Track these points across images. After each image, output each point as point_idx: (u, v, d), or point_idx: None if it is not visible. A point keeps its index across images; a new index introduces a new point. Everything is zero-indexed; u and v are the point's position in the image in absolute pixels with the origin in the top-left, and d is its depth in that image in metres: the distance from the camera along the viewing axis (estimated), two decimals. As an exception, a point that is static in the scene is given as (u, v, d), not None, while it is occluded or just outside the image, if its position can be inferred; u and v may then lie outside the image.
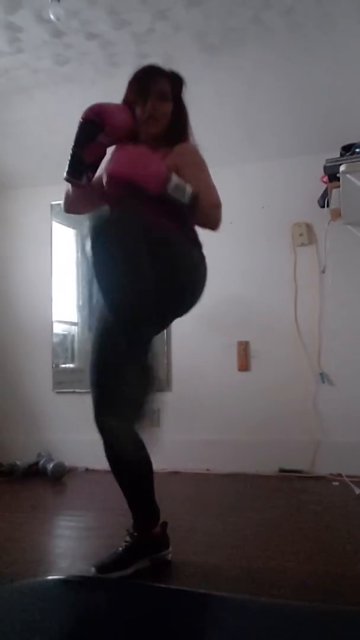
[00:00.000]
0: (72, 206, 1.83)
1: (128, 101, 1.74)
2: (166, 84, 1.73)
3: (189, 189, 1.58)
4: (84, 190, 1.71)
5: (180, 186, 1.56)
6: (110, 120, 1.61)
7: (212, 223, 1.71)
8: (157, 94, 1.70)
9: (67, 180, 1.66)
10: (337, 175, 2.70)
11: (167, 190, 1.54)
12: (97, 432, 1.67)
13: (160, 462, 3.18)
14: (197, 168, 1.71)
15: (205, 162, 1.75)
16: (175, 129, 1.77)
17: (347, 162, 2.66)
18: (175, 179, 1.55)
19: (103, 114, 1.61)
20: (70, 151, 1.62)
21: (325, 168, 2.85)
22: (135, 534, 1.71)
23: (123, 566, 1.64)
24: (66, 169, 1.64)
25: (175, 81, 1.78)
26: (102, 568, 1.63)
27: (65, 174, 1.65)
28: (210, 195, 1.68)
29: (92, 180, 1.67)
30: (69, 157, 1.63)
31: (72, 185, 1.69)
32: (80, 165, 1.63)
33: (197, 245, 1.75)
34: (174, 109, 1.76)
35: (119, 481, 1.74)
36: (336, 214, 2.95)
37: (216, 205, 1.70)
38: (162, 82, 1.73)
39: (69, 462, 3.37)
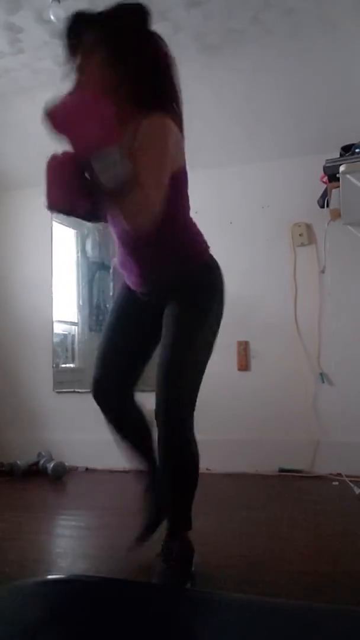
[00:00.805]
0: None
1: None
2: (89, 32, 1.44)
3: (122, 171, 1.26)
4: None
5: (112, 164, 1.25)
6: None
7: (135, 223, 1.36)
8: (79, 49, 1.45)
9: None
10: (337, 175, 2.71)
11: (91, 160, 1.26)
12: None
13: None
14: (153, 157, 1.40)
15: (169, 147, 1.43)
16: (139, 85, 1.47)
17: (346, 163, 2.66)
18: (113, 155, 1.25)
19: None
20: None
21: (325, 168, 2.85)
22: (179, 544, 1.62)
23: (188, 579, 1.57)
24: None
25: (109, 23, 1.45)
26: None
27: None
28: (148, 193, 1.33)
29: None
30: None
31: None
32: None
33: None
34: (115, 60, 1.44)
35: (174, 475, 1.65)
36: (336, 214, 2.95)
37: (150, 205, 1.33)
38: (80, 31, 1.45)
39: (69, 461, 3.37)
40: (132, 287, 1.71)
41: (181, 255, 1.63)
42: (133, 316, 1.74)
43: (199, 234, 1.69)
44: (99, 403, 1.73)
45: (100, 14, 1.47)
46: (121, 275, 1.75)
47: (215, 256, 1.76)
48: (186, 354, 1.60)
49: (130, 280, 1.70)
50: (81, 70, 1.45)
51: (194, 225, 1.69)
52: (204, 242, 1.69)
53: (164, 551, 1.61)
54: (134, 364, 1.77)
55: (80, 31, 1.46)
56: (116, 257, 1.74)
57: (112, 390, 1.73)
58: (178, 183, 1.54)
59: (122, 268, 1.71)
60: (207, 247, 1.70)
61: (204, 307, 1.66)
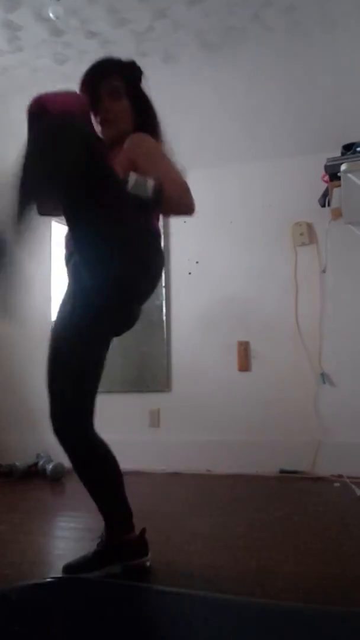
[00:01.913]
0: None
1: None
2: (116, 81, 1.64)
3: (150, 182, 1.45)
4: None
5: (139, 181, 1.44)
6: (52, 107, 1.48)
7: (185, 208, 1.54)
8: (107, 93, 1.63)
9: None
10: (338, 174, 2.69)
11: (128, 188, 1.44)
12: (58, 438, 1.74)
13: (160, 463, 3.20)
14: (152, 155, 1.58)
15: (160, 146, 1.62)
16: (141, 127, 1.66)
17: (348, 161, 2.65)
18: (132, 176, 1.44)
19: (45, 104, 1.51)
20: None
21: (326, 167, 2.84)
22: (106, 539, 1.66)
23: (90, 568, 1.62)
24: None
25: (129, 74, 1.68)
26: (68, 568, 1.63)
27: None
28: (174, 181, 1.52)
29: None
30: None
31: None
32: None
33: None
34: (133, 105, 1.66)
35: (88, 485, 1.72)
36: (337, 214, 2.94)
37: (184, 190, 1.52)
38: (110, 79, 1.64)
39: (68, 463, 3.33)
40: None
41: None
42: None
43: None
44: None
45: (122, 63, 1.69)
46: None
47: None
48: (58, 350, 1.77)
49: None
50: (107, 111, 1.63)
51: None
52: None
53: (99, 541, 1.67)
54: None
55: (108, 74, 1.65)
56: None
57: None
58: None
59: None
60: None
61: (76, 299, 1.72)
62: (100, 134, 1.65)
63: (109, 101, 1.62)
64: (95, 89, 1.62)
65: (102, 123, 1.63)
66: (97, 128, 1.65)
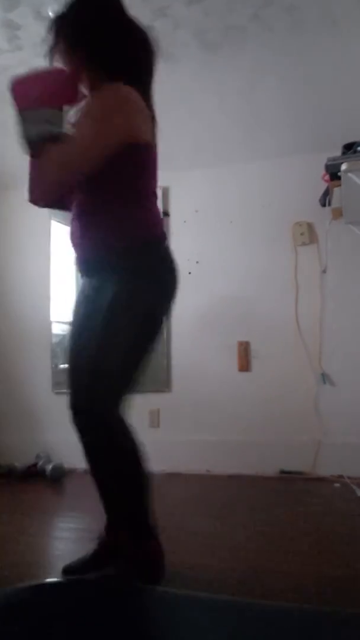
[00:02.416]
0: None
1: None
2: (55, 35, 1.57)
3: (48, 130, 1.37)
4: None
5: (41, 122, 1.37)
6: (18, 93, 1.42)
7: (69, 167, 1.41)
8: (54, 53, 1.57)
9: None
10: (339, 174, 2.69)
11: (21, 110, 1.38)
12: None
13: (160, 463, 3.19)
14: (91, 115, 1.44)
15: (111, 113, 1.42)
16: (94, 66, 1.52)
17: (348, 161, 2.64)
18: (48, 112, 1.37)
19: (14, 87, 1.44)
20: None
21: (326, 167, 2.83)
22: (105, 539, 1.61)
23: (88, 569, 1.60)
24: None
25: (63, 19, 1.57)
26: (67, 569, 1.61)
27: None
28: (66, 149, 1.40)
29: None
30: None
31: None
32: None
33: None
34: (78, 44, 1.54)
35: (99, 476, 1.60)
36: (337, 213, 2.93)
37: (77, 148, 1.41)
38: (51, 37, 1.57)
39: (67, 463, 3.34)
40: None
41: (110, 231, 1.51)
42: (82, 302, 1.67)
43: (145, 216, 1.55)
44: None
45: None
46: None
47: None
48: (94, 340, 1.47)
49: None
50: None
51: (146, 206, 1.57)
52: (146, 227, 1.55)
53: (121, 555, 1.55)
54: None
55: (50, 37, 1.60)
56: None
57: None
58: (134, 155, 1.48)
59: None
60: (147, 233, 1.55)
61: (120, 290, 1.49)
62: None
63: (58, 58, 1.56)
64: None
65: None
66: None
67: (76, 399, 1.48)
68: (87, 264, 1.60)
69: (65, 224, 3.76)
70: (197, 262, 3.32)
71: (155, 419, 3.33)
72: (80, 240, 1.57)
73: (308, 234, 3.21)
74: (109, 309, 1.47)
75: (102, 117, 1.41)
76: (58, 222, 3.77)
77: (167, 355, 3.39)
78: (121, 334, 1.46)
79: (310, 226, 3.22)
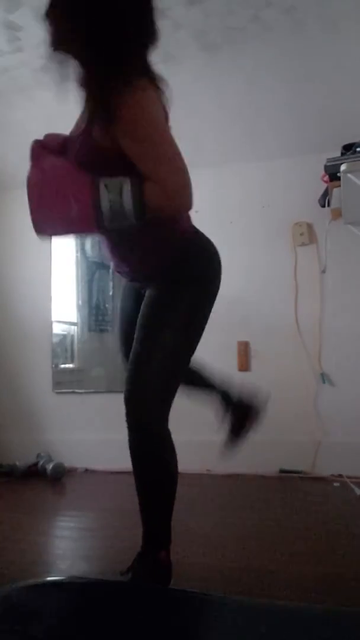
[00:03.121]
0: None
1: None
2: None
3: (126, 188, 1.25)
4: None
5: (113, 198, 1.24)
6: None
7: (175, 209, 1.37)
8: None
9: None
10: (338, 174, 2.70)
11: (105, 224, 1.29)
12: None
13: (160, 462, 3.18)
14: (142, 140, 1.29)
15: (156, 119, 1.30)
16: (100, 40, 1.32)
17: (348, 162, 2.65)
18: (104, 193, 1.25)
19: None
20: None
21: (326, 167, 2.84)
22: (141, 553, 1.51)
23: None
24: None
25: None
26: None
27: None
28: (161, 180, 1.28)
29: None
30: None
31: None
32: None
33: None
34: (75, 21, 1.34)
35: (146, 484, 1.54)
36: (337, 214, 2.94)
37: (174, 190, 1.31)
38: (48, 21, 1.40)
39: (68, 462, 3.35)
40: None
41: (155, 244, 1.50)
42: (131, 304, 1.68)
43: (179, 220, 1.53)
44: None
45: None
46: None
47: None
48: (151, 348, 1.46)
49: (115, 269, 1.69)
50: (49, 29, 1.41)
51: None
52: (183, 230, 1.55)
53: (132, 571, 1.48)
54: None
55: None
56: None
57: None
58: None
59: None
60: (186, 235, 1.56)
61: (175, 296, 1.51)
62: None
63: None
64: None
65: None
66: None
67: (135, 407, 1.45)
68: (134, 279, 1.64)
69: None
70: (197, 262, 3.32)
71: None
72: (121, 262, 1.59)
73: (307, 235, 3.21)
74: (163, 313, 1.50)
75: (149, 129, 1.30)
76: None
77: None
78: (173, 336, 1.49)
79: (309, 226, 3.22)
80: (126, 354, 1.61)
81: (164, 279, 1.52)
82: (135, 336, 1.49)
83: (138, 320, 1.50)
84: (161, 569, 1.47)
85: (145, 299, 1.54)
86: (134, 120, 1.28)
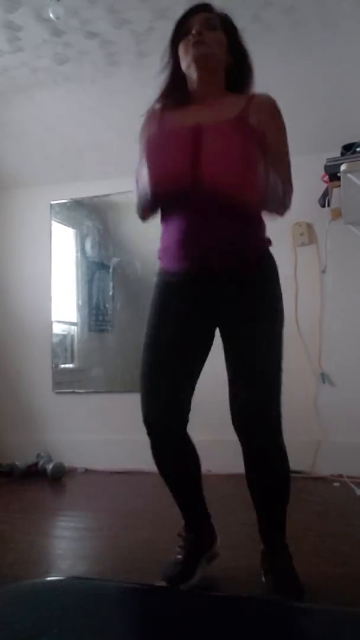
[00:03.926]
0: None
1: (171, 52, 1.58)
2: (214, 17, 1.55)
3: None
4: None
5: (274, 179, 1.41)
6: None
7: (284, 213, 1.57)
8: (202, 22, 1.52)
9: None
10: (338, 174, 2.70)
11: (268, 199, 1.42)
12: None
13: (160, 462, 3.18)
14: (282, 135, 1.57)
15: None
16: (239, 74, 1.62)
17: (347, 162, 2.65)
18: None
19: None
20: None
21: (325, 167, 2.84)
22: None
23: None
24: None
25: (227, 20, 1.59)
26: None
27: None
28: (291, 184, 1.53)
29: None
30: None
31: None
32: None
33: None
34: (229, 44, 1.57)
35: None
36: (337, 214, 2.94)
37: (291, 197, 1.55)
38: (207, 13, 1.55)
39: (68, 462, 3.35)
40: (189, 268, 1.51)
41: (250, 230, 1.56)
42: (182, 325, 1.58)
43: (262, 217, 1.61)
44: (155, 437, 1.65)
45: (221, 14, 1.61)
46: (171, 263, 1.56)
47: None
48: (269, 354, 1.59)
49: (190, 258, 1.50)
50: (201, 36, 1.51)
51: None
52: (265, 226, 1.63)
53: (272, 565, 1.55)
54: (190, 384, 1.69)
55: (203, 12, 1.56)
56: (168, 238, 1.55)
57: (171, 421, 1.66)
58: None
59: (181, 247, 1.50)
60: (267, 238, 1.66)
61: (275, 297, 1.64)
62: (186, 64, 1.54)
63: (202, 28, 1.51)
64: (188, 19, 1.55)
65: (194, 45, 1.50)
66: (185, 61, 1.54)
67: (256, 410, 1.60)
68: (219, 267, 1.52)
69: (66, 225, 3.78)
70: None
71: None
72: (209, 243, 1.48)
73: (307, 235, 3.21)
74: (274, 325, 1.64)
75: (284, 130, 1.62)
76: (58, 222, 3.79)
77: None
78: (281, 343, 1.66)
79: (309, 226, 3.22)
80: (169, 388, 1.65)
81: (256, 277, 1.60)
82: (249, 354, 1.58)
83: (244, 336, 1.58)
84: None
85: (240, 311, 1.56)
86: (279, 114, 1.63)
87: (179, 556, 1.61)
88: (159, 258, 1.61)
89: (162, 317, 1.58)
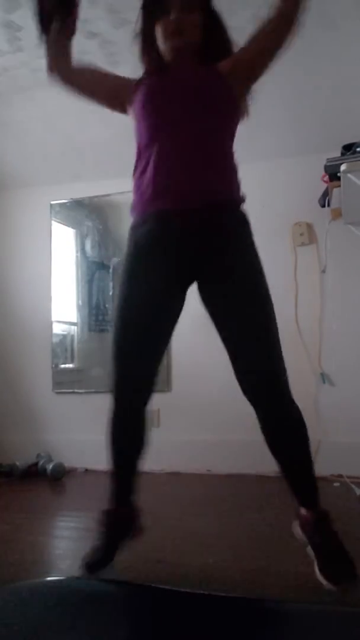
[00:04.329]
0: (54, 62, 1.77)
1: (144, 30, 1.65)
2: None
3: None
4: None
5: None
6: None
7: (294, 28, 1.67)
8: (179, 3, 1.52)
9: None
10: (338, 174, 2.70)
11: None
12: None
13: (160, 463, 3.20)
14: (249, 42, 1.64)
15: None
16: (213, 45, 1.62)
17: (348, 162, 2.65)
18: None
19: None
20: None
21: (326, 167, 2.84)
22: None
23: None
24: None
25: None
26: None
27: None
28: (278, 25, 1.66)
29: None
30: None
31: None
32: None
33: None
34: (206, 22, 1.59)
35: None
36: (337, 214, 2.94)
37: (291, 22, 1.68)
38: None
39: (68, 462, 3.35)
40: (169, 208, 1.50)
41: (230, 174, 1.67)
42: (155, 296, 1.57)
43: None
44: (119, 412, 1.72)
45: None
46: (148, 206, 1.54)
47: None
48: (267, 309, 1.62)
49: (171, 195, 1.51)
50: (179, 23, 1.54)
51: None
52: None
53: (322, 538, 1.57)
54: (162, 356, 1.68)
55: None
56: (144, 181, 1.55)
57: (139, 402, 1.67)
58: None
59: (167, 178, 1.51)
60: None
61: (256, 248, 1.64)
62: (163, 46, 1.60)
63: (180, 12, 1.53)
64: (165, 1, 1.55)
65: (172, 33, 1.55)
66: (160, 42, 1.60)
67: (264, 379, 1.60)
68: (201, 207, 1.52)
69: (66, 225, 3.78)
70: (197, 262, 3.32)
71: (155, 419, 3.34)
72: (199, 177, 1.53)
73: (307, 235, 3.21)
74: (260, 275, 1.60)
75: None
76: (58, 222, 3.79)
77: (167, 355, 3.39)
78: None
79: (309, 226, 3.22)
80: (144, 354, 1.61)
81: (237, 227, 1.62)
82: (250, 317, 1.57)
83: (241, 296, 1.56)
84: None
85: (230, 267, 1.53)
86: None
87: (99, 542, 1.61)
88: (132, 212, 1.60)
89: (134, 289, 1.55)
